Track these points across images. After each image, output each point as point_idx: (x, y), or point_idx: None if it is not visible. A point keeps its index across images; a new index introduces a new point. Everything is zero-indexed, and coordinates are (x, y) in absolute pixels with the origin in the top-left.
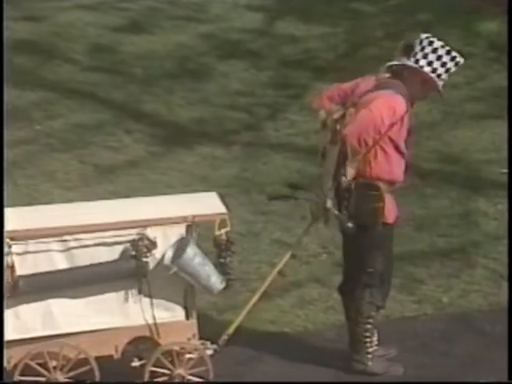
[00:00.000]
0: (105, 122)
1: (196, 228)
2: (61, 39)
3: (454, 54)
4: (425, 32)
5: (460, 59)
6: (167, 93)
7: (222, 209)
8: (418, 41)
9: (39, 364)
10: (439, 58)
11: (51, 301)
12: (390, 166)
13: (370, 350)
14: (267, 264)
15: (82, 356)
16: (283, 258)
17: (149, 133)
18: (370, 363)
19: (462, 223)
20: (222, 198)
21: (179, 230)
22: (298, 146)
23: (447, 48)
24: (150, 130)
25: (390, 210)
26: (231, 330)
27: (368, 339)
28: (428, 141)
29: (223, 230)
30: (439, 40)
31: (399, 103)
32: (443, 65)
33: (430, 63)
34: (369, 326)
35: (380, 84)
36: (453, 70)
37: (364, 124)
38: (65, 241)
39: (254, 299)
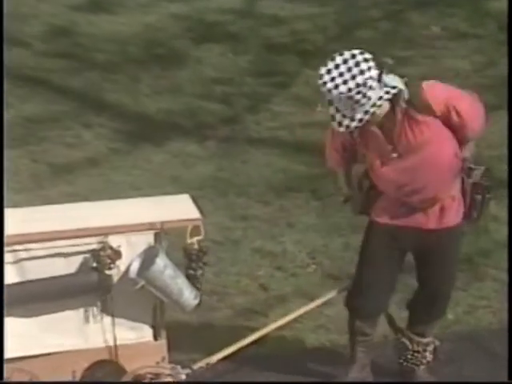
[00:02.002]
0: (61, 115)
1: (166, 236)
2: (10, 19)
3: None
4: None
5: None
6: (132, 81)
7: (196, 213)
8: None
9: None
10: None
11: None
12: None
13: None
14: (247, 276)
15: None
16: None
17: (111, 127)
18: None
19: (470, 229)
20: (196, 201)
21: (147, 238)
22: (282, 141)
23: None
24: (113, 123)
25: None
26: (213, 360)
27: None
28: None
29: (195, 239)
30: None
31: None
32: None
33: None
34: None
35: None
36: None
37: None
38: (14, 251)
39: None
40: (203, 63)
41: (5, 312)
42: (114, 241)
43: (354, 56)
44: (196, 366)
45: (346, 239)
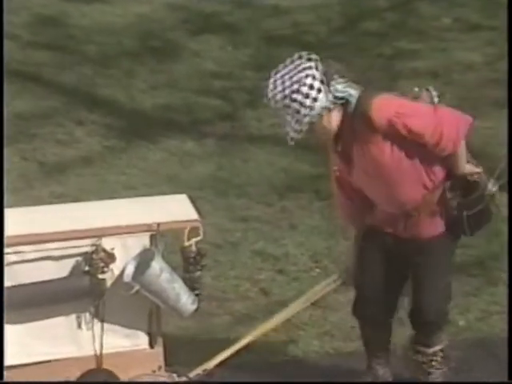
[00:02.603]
0: (52, 111)
1: (162, 238)
2: None
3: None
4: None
5: None
6: (127, 75)
7: (194, 215)
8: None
9: None
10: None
11: None
12: None
13: None
14: (248, 280)
15: None
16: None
17: (105, 123)
18: None
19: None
20: (194, 201)
21: (142, 241)
22: (284, 138)
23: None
24: (107, 120)
25: None
26: (210, 366)
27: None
28: None
29: (193, 240)
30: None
31: None
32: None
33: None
34: None
35: None
36: None
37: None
38: (4, 254)
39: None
40: (201, 56)
41: None
42: (107, 243)
43: (297, 63)
44: (193, 374)
45: (350, 242)
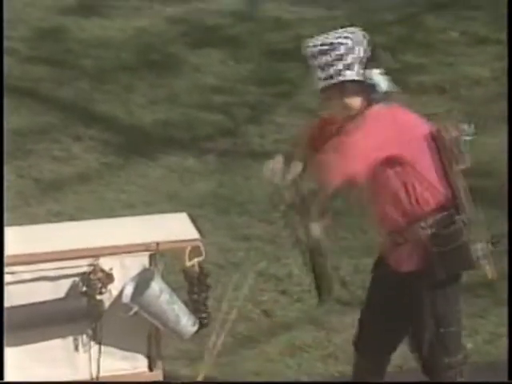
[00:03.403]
0: (48, 127)
1: (162, 257)
2: None
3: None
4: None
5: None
6: (125, 90)
7: (194, 234)
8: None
9: None
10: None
11: None
12: None
13: None
14: (251, 302)
15: None
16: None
17: (103, 139)
18: None
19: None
20: (194, 220)
21: (141, 261)
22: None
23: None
24: (105, 135)
25: None
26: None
27: None
28: None
29: (196, 260)
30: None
31: None
32: None
33: None
34: None
35: None
36: None
37: None
38: None
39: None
40: (201, 70)
41: None
42: (105, 263)
43: (341, 33)
44: None
45: (356, 261)
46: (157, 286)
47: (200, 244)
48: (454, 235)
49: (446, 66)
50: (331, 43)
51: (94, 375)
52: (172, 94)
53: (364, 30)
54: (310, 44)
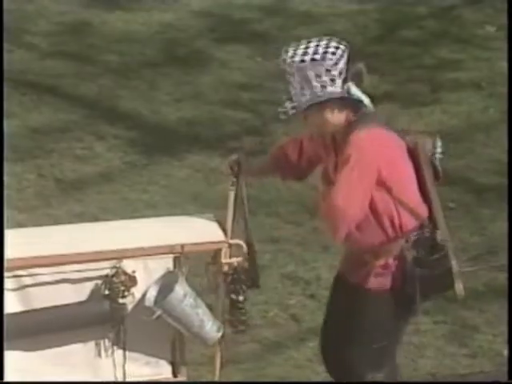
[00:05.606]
0: (70, 125)
1: (186, 260)
2: (13, 18)
3: None
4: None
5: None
6: (150, 87)
7: (220, 235)
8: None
9: None
10: None
11: None
12: None
13: None
14: (277, 306)
15: None
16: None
17: (126, 138)
18: None
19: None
20: (220, 221)
21: (165, 263)
22: None
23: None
24: (128, 134)
25: None
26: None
27: None
28: (484, 148)
29: (234, 259)
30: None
31: None
32: None
33: None
34: None
35: None
36: None
37: None
38: (18, 277)
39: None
40: (228, 67)
41: (7, 344)
42: (128, 265)
43: (328, 41)
44: None
45: None
46: (181, 289)
47: (226, 246)
48: (440, 261)
49: (483, 62)
50: (323, 55)
51: (117, 380)
52: (198, 91)
53: (396, 24)
54: (292, 57)
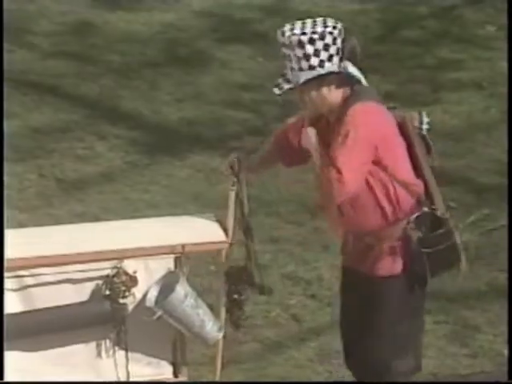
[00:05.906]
0: (71, 125)
1: (187, 260)
2: (14, 18)
3: None
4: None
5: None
6: (151, 87)
7: (221, 235)
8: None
9: None
10: None
11: None
12: None
13: None
14: (278, 305)
15: None
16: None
17: (127, 138)
18: None
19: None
20: (221, 221)
21: (166, 263)
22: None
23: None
24: (129, 134)
25: None
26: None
27: None
28: (485, 147)
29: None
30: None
31: None
32: None
33: None
34: None
35: None
36: None
37: None
38: (19, 277)
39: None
40: (229, 67)
41: (7, 344)
42: (129, 266)
43: (325, 20)
44: None
45: None
46: (182, 289)
47: (227, 246)
48: (444, 236)
49: (484, 62)
50: (322, 32)
51: (118, 381)
52: (199, 92)
53: (397, 24)
54: (292, 31)
